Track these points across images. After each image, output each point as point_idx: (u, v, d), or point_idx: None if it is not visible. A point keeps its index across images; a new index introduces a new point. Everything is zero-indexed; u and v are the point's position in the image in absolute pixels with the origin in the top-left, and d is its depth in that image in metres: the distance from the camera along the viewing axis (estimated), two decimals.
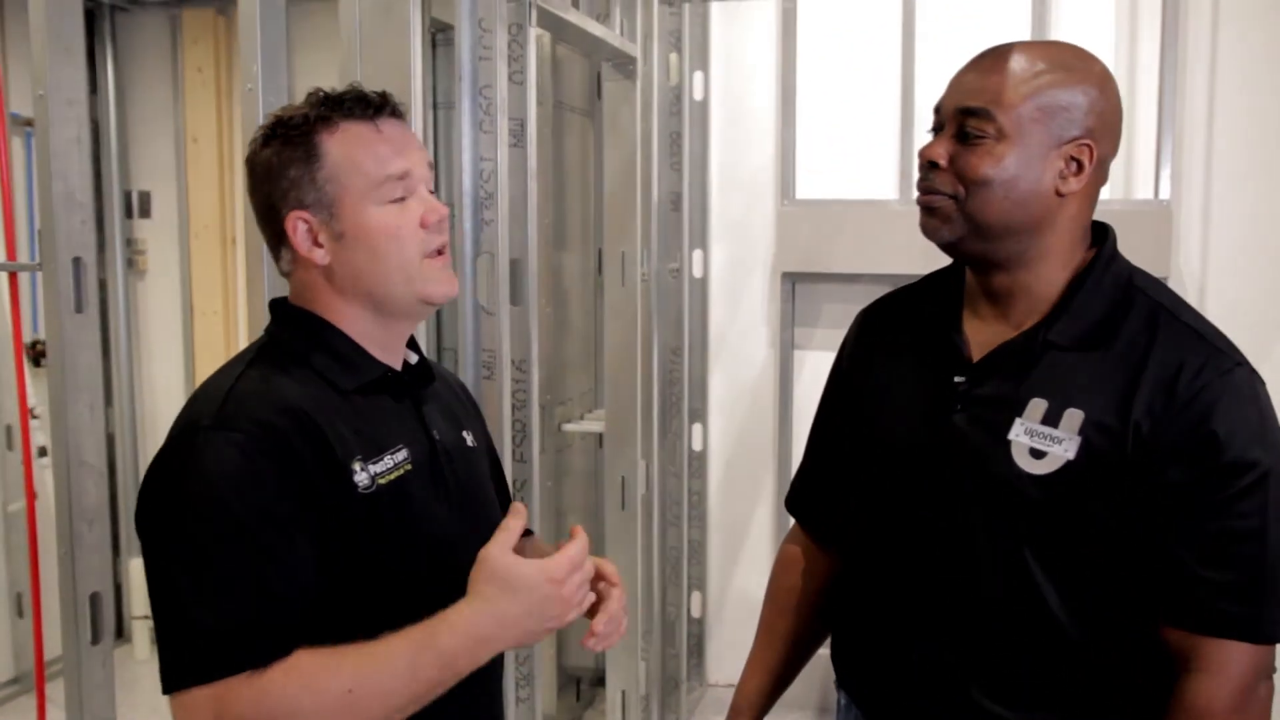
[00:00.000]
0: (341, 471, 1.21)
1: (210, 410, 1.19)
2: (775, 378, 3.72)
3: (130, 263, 4.18)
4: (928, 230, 1.35)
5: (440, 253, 1.30)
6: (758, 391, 3.79)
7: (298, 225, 1.26)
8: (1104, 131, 1.32)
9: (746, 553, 3.86)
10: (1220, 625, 1.25)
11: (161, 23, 4.11)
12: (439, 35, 3.11)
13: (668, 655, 3.61)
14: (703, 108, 3.64)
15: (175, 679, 1.12)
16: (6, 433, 3.91)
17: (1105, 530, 1.29)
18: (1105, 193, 3.59)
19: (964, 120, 1.30)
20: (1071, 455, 1.27)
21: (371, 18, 1.84)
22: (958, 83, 1.34)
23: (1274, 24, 3.30)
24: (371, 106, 1.27)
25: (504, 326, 2.12)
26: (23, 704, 3.89)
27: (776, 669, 1.61)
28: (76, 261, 1.83)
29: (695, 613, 3.82)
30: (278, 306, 1.35)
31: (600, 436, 3.36)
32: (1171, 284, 3.25)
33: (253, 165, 1.29)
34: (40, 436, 3.47)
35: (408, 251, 1.27)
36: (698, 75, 3.60)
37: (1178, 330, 1.30)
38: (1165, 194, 3.32)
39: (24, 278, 3.72)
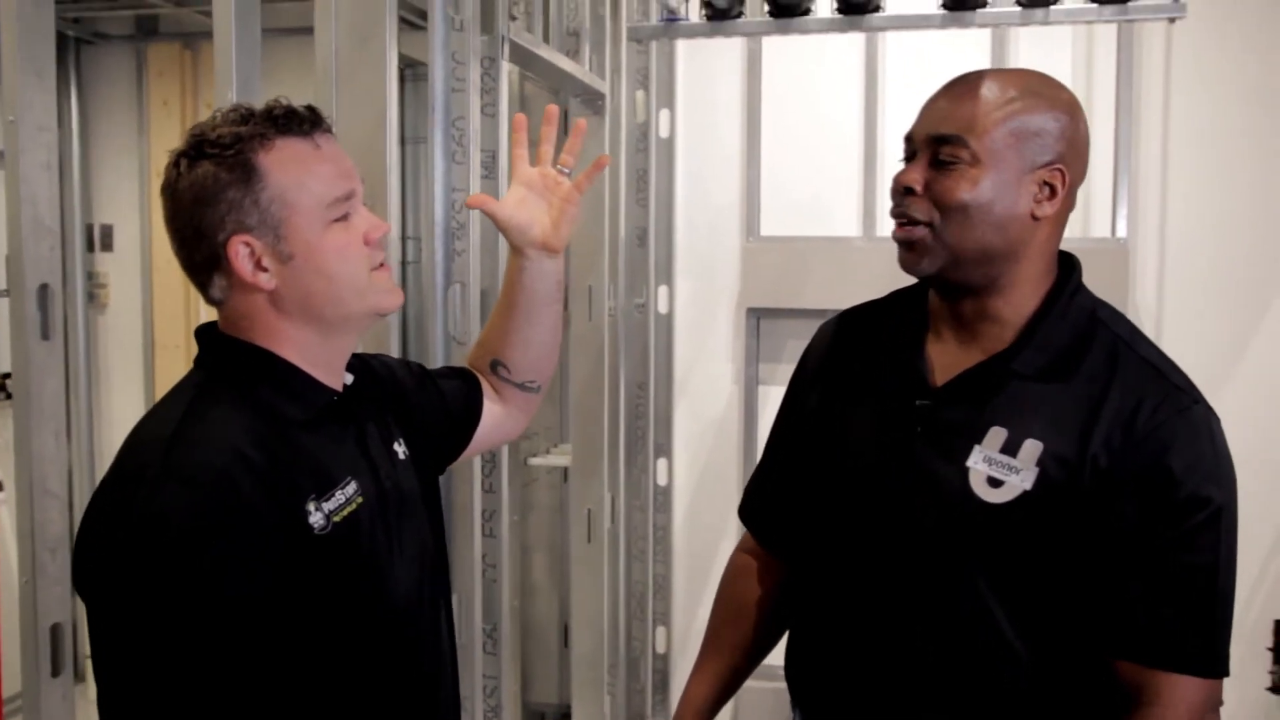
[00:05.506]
0: (295, 515, 1.18)
1: (154, 458, 1.14)
2: (740, 413, 3.74)
3: (91, 296, 4.14)
4: (907, 265, 1.35)
5: (382, 266, 1.28)
6: (723, 426, 3.80)
7: (239, 249, 1.20)
8: (1074, 157, 1.33)
9: (711, 588, 3.80)
10: (1171, 659, 1.26)
11: (127, 56, 4.10)
12: (408, 71, 3.14)
13: (633, 690, 3.59)
14: (669, 145, 3.68)
15: None
16: None
17: (1059, 561, 1.29)
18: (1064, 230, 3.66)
19: (938, 147, 1.31)
20: (1028, 486, 1.28)
21: (348, 52, 1.86)
22: (929, 110, 1.35)
23: (1226, 63, 3.39)
24: (306, 122, 1.23)
25: None
26: None
27: (723, 676, 1.60)
28: (43, 288, 1.81)
29: (660, 648, 3.81)
30: (209, 337, 1.28)
31: (565, 471, 3.36)
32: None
33: (175, 187, 1.21)
34: None
35: (357, 269, 1.24)
36: (664, 113, 3.63)
37: (1137, 365, 1.31)
38: (1122, 232, 3.38)
39: None
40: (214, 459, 1.14)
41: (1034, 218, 1.31)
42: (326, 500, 1.21)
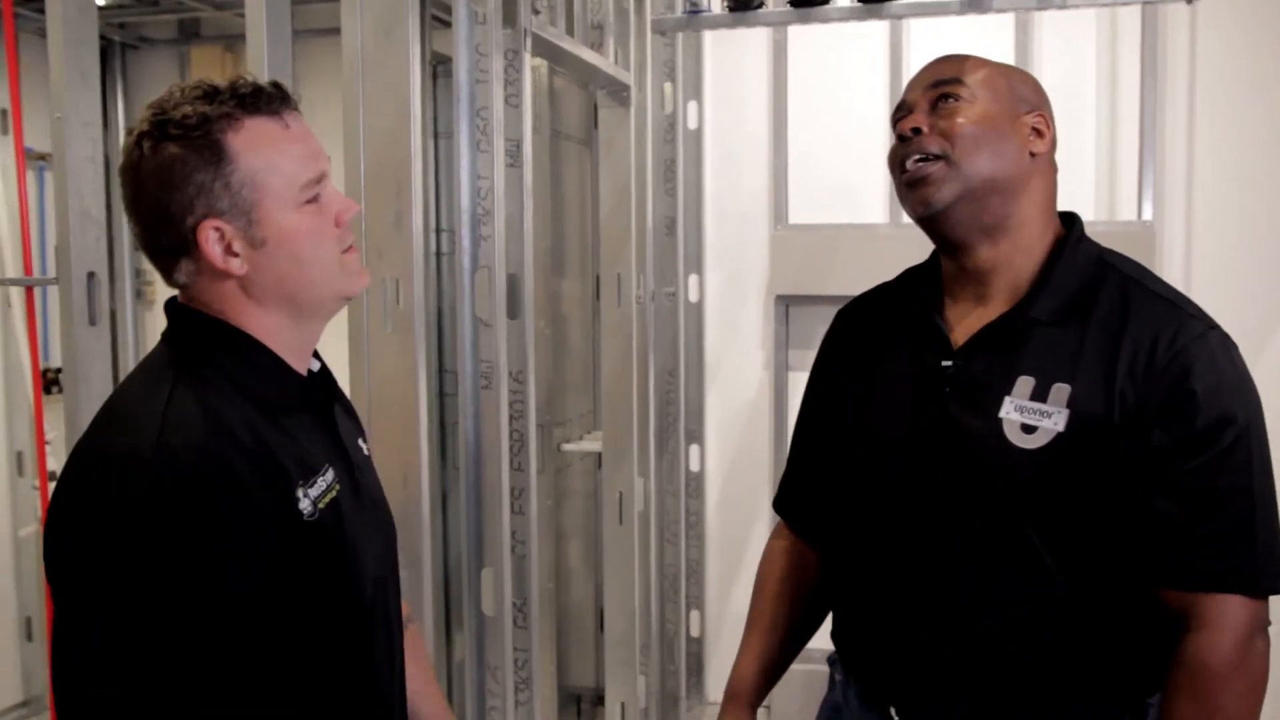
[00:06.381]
0: (289, 502, 1.15)
1: (147, 442, 1.08)
2: (770, 399, 3.80)
3: (139, 293, 4.27)
4: (921, 200, 1.40)
5: (350, 248, 1.25)
6: (754, 413, 3.86)
7: (210, 235, 1.15)
8: (1050, 114, 1.45)
9: (745, 573, 3.90)
10: (1216, 580, 1.30)
11: (171, 59, 4.22)
12: (439, 67, 3.21)
13: (667, 672, 3.65)
14: (696, 136, 3.74)
15: None
16: (17, 459, 3.99)
17: (1100, 499, 1.34)
18: (1089, 214, 3.71)
19: (938, 90, 1.42)
20: (1061, 428, 1.33)
21: (373, 45, 1.94)
22: (920, 77, 1.47)
23: (1249, 47, 3.40)
24: (275, 100, 1.19)
25: (501, 338, 2.20)
26: None
27: (771, 656, 1.63)
28: (90, 276, 1.90)
29: (694, 631, 3.87)
30: (181, 313, 1.22)
31: (599, 457, 3.42)
32: None
33: (139, 169, 1.15)
34: (53, 462, 3.55)
35: (329, 252, 1.21)
36: (691, 104, 3.70)
37: (1151, 300, 1.38)
38: (1148, 215, 3.40)
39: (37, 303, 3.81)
40: (208, 444, 1.10)
41: (1031, 155, 1.42)
42: (311, 486, 1.19)
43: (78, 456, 1.15)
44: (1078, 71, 3.53)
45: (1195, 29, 3.42)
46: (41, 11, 3.58)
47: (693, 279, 3.77)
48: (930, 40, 3.55)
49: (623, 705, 3.26)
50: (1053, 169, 1.46)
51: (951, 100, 1.41)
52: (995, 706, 1.40)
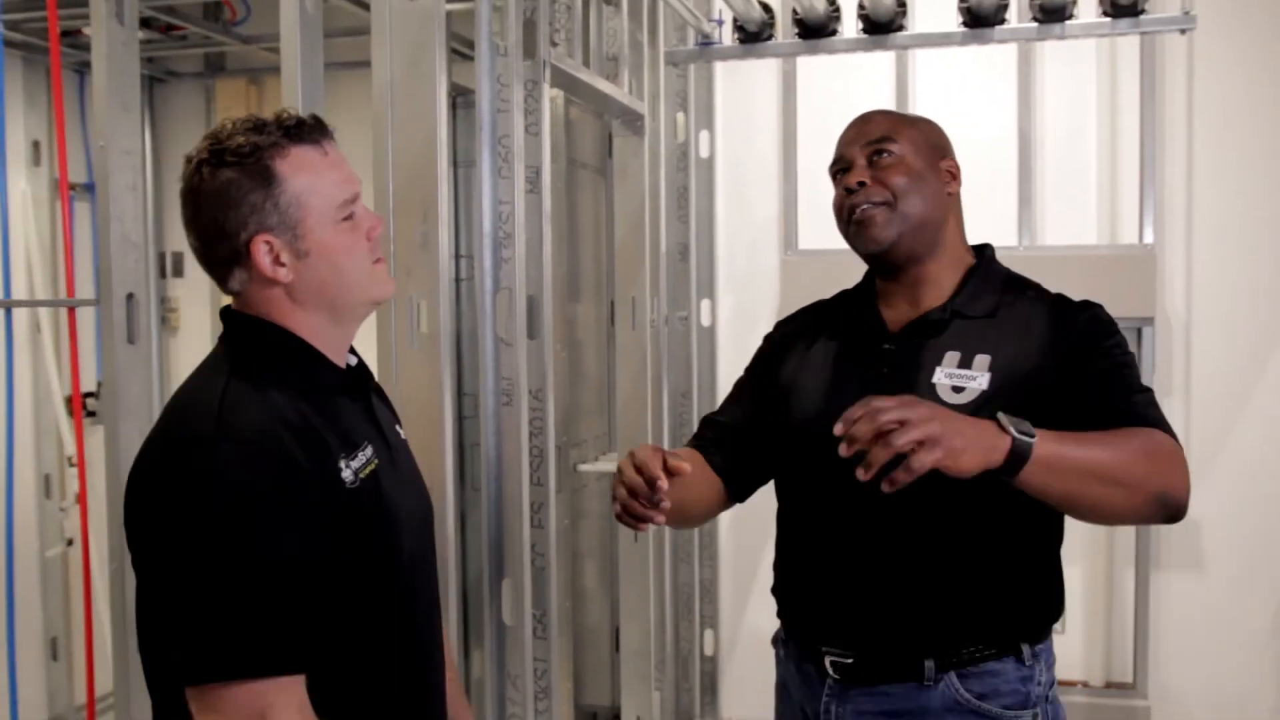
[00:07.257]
0: (333, 471, 1.32)
1: (207, 423, 1.26)
2: None
3: (164, 320, 4.37)
4: (868, 239, 1.66)
5: (379, 260, 1.44)
6: None
7: (261, 247, 1.33)
8: (956, 160, 1.73)
9: (757, 592, 3.97)
10: (1155, 424, 1.54)
11: (196, 92, 4.34)
12: (459, 98, 3.31)
13: (681, 689, 3.71)
14: (708, 165, 3.83)
15: (214, 669, 1.21)
16: (45, 481, 4.07)
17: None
18: (1092, 238, 3.75)
19: (875, 148, 1.69)
20: (985, 386, 1.60)
21: (401, 76, 2.04)
22: (852, 136, 1.73)
23: (1245, 73, 3.49)
24: (315, 130, 1.38)
25: (521, 357, 2.29)
26: None
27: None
28: (130, 297, 1.99)
29: (708, 650, 3.93)
30: (235, 318, 1.41)
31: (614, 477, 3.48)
32: (1157, 324, 3.42)
33: (199, 191, 1.34)
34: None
35: (361, 263, 1.40)
36: (703, 134, 3.79)
37: (1050, 297, 1.72)
38: (1149, 239, 3.48)
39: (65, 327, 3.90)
40: (261, 422, 1.28)
41: (949, 194, 1.72)
42: (353, 459, 1.35)
43: (148, 444, 1.33)
44: (1079, 98, 3.62)
45: (1193, 56, 3.51)
46: (74, 47, 3.70)
47: (705, 303, 3.85)
48: (935, 69, 3.64)
49: (638, 719, 3.31)
50: (959, 205, 1.74)
51: (886, 155, 1.68)
52: (913, 648, 1.62)
